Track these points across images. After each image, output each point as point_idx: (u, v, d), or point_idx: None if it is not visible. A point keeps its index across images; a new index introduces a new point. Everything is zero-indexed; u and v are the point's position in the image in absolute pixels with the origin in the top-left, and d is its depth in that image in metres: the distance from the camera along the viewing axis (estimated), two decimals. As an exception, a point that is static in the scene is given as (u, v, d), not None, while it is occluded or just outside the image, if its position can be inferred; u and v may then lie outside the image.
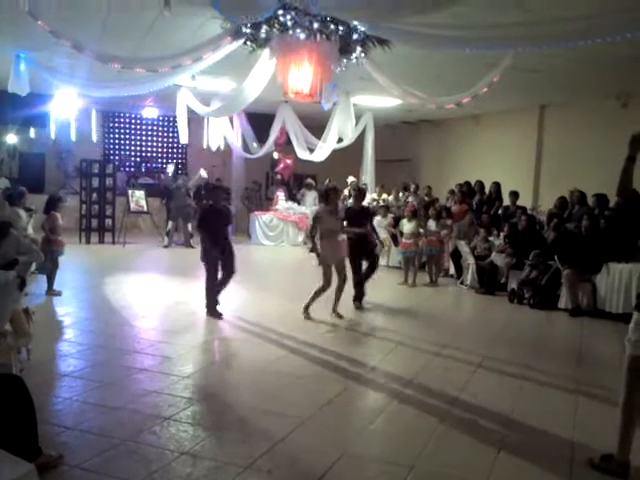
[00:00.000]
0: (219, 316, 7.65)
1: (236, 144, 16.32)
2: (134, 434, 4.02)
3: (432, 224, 11.27)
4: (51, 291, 8.50)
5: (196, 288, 9.10)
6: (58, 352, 5.96)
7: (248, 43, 8.21)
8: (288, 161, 17.09)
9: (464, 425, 4.51)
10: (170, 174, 16.48)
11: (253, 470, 3.62)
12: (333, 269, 7.78)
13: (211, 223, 7.68)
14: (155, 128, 19.87)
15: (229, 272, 7.82)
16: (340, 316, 7.85)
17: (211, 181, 17.81)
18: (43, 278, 8.59)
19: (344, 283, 7.95)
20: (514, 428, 4.46)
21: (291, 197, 17.47)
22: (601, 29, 6.12)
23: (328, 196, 8.01)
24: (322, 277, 7.70)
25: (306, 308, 7.75)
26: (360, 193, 9.61)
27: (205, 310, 7.77)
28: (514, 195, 12.03)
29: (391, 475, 3.65)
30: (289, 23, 7.61)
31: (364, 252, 8.56)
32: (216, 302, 7.78)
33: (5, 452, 2.86)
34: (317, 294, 7.76)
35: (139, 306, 8.33)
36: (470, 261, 10.70)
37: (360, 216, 8.65)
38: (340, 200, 15.70)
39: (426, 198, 14.14)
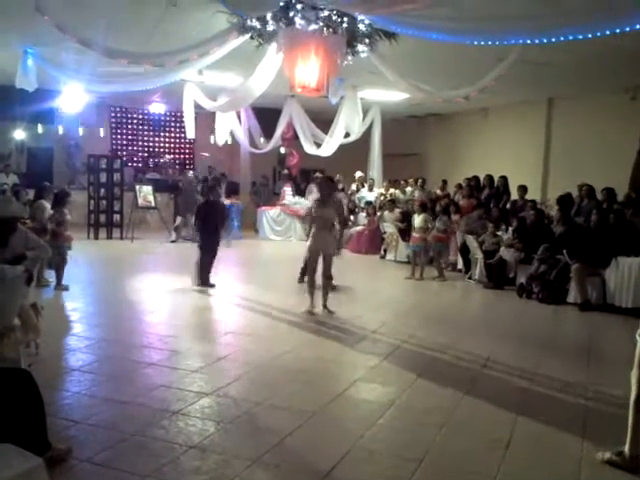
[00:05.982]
0: (212, 285, 9.04)
1: (243, 139, 16.30)
2: (143, 428, 4.03)
3: (439, 219, 11.26)
4: (59, 286, 8.53)
5: (204, 283, 9.13)
6: (66, 346, 5.98)
7: (255, 37, 8.20)
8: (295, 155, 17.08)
9: (472, 420, 4.49)
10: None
11: (261, 464, 3.62)
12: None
13: (205, 216, 9.10)
14: (162, 123, 19.87)
15: (213, 254, 9.20)
16: (330, 312, 7.75)
17: (217, 175, 17.81)
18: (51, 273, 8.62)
19: (329, 279, 7.91)
20: (522, 424, 4.43)
21: (298, 192, 17.45)
22: (610, 21, 6.05)
23: (320, 188, 8.10)
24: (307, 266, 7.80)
25: (310, 304, 7.73)
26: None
27: (199, 282, 9.02)
28: (522, 189, 11.97)
29: (400, 469, 3.65)
30: (296, 18, 7.59)
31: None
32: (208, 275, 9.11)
33: (14, 446, 2.86)
34: (309, 284, 7.78)
35: (147, 301, 8.35)
36: (478, 256, 10.66)
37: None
38: (347, 193, 15.80)
39: (439, 192, 14.12)
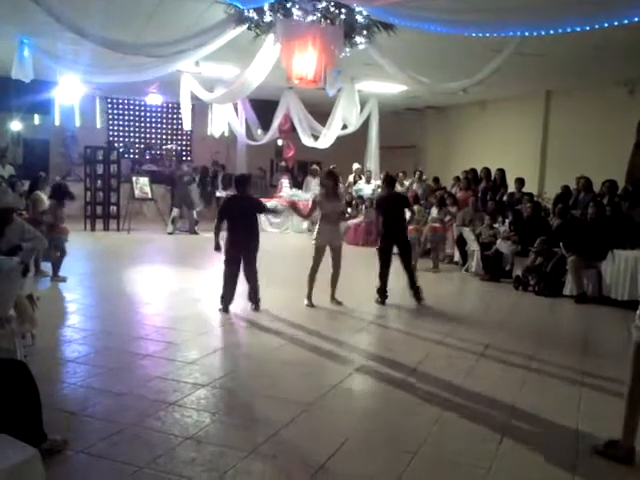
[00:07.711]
0: (225, 310, 7.23)
1: (240, 131, 16.26)
2: (139, 419, 4.03)
3: (434, 211, 11.27)
4: (56, 277, 8.51)
5: (201, 275, 9.13)
6: (63, 338, 5.98)
7: (252, 28, 8.16)
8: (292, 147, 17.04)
9: (468, 412, 4.50)
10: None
11: (257, 455, 3.63)
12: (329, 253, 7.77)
13: (227, 211, 7.31)
14: (159, 115, 19.82)
15: (247, 272, 7.36)
16: (339, 303, 7.82)
17: (214, 167, 17.73)
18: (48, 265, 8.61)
19: (338, 270, 7.87)
20: (517, 416, 4.45)
21: (295, 184, 17.42)
22: (609, 13, 6.03)
23: (325, 181, 8.05)
24: (312, 258, 7.73)
25: (308, 296, 7.74)
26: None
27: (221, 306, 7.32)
28: (519, 182, 11.96)
29: (395, 461, 3.66)
30: (294, 9, 7.57)
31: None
32: (231, 298, 7.31)
33: (10, 437, 2.87)
34: (310, 277, 7.75)
35: (144, 293, 8.35)
36: (475, 248, 10.67)
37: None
38: (344, 185, 15.76)
39: (433, 185, 14.14)
